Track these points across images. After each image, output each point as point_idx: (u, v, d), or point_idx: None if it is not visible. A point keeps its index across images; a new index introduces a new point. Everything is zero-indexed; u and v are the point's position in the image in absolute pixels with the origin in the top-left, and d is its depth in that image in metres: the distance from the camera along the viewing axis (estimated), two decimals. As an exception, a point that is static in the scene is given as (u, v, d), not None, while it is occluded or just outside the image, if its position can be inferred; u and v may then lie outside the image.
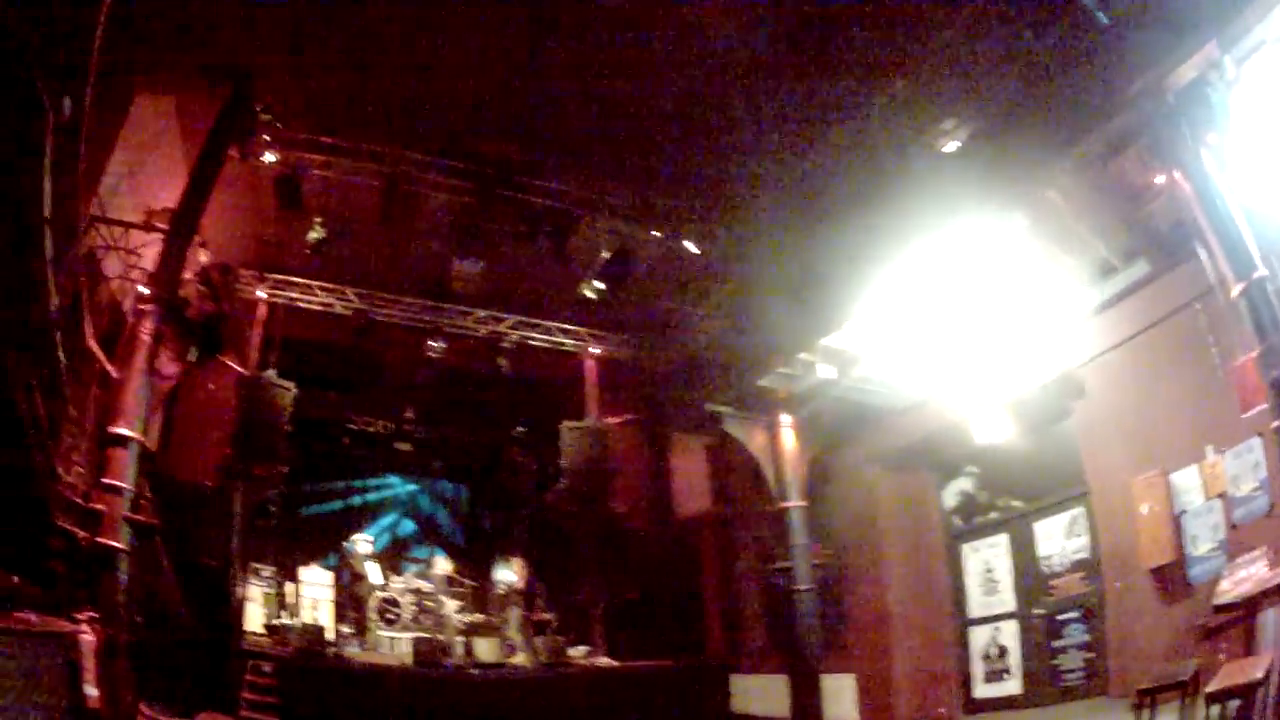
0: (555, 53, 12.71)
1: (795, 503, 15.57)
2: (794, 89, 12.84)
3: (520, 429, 22.72)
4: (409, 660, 16.46)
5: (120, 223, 12.75)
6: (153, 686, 11.45)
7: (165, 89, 13.39)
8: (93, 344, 11.08)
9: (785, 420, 15.99)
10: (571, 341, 19.68)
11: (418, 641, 16.64)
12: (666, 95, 13.38)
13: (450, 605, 19.09)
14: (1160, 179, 10.17)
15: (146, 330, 11.85)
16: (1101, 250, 11.73)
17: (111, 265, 12.97)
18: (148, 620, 12.31)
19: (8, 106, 7.22)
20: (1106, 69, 9.92)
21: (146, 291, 12.05)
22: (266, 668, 14.81)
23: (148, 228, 13.06)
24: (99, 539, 10.70)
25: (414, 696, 15.21)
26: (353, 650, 17.04)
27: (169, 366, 12.45)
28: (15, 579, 9.58)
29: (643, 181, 15.42)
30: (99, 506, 10.85)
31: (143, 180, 13.77)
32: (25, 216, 7.83)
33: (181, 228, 12.41)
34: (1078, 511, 13.01)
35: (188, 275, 13.36)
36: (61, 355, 9.60)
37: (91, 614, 10.04)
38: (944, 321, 13.40)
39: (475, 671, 16.47)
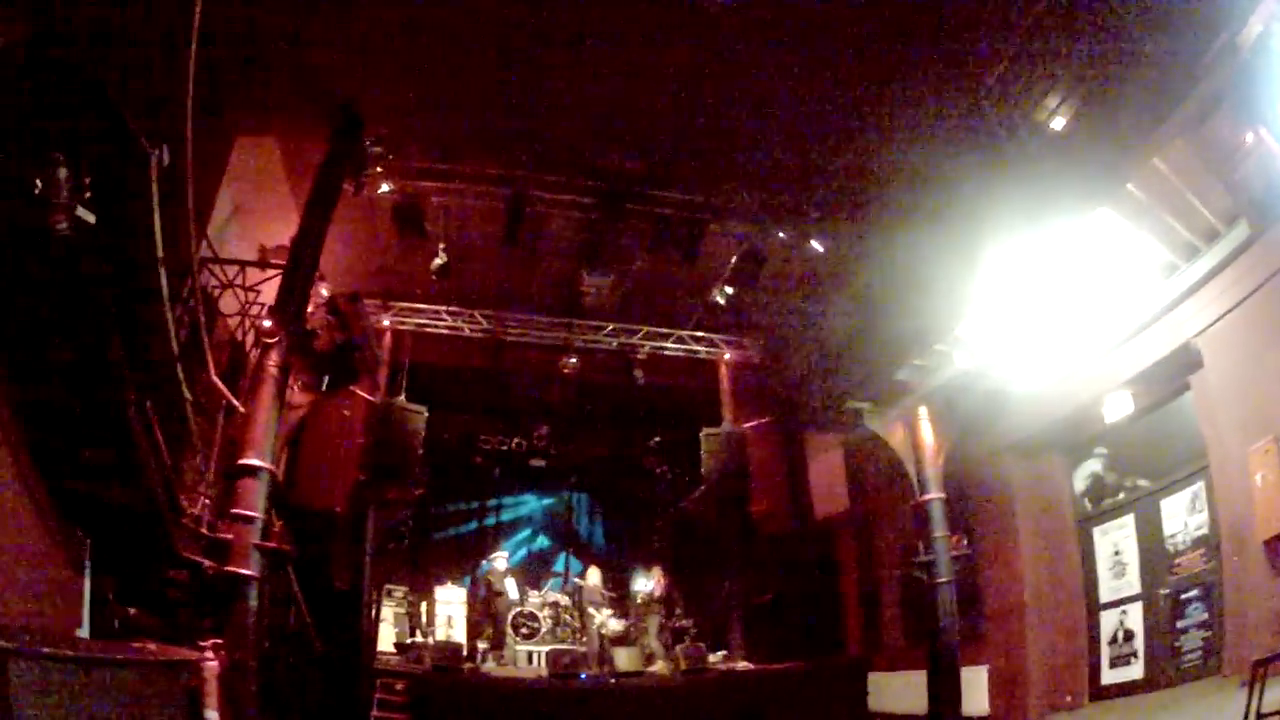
0: (670, 62, 12.63)
1: (935, 495, 15.22)
2: (903, 80, 12.56)
3: (655, 439, 22.67)
4: (545, 673, 16.59)
5: (234, 261, 13.14)
6: (283, 710, 11.79)
7: (266, 128, 13.79)
8: (215, 379, 11.29)
9: (923, 413, 15.67)
10: (704, 348, 19.74)
11: (553, 653, 16.76)
12: (782, 96, 13.21)
13: (590, 617, 19.19)
14: (1249, 137, 9.95)
15: (273, 362, 12.01)
16: (1204, 214, 11.39)
17: (226, 304, 13.33)
18: (278, 645, 12.67)
19: (111, 156, 7.54)
20: (1188, 32, 9.63)
21: (269, 325, 12.23)
22: (398, 686, 15.06)
23: (262, 264, 13.43)
24: (228, 568, 10.96)
25: (550, 709, 15.36)
26: (489, 665, 17.23)
27: (298, 397, 12.78)
28: (132, 610, 10.04)
29: (766, 183, 15.25)
30: (227, 536, 11.10)
31: (251, 220, 14.34)
32: (139, 259, 8.13)
33: (301, 258, 12.51)
34: (1198, 487, 12.47)
35: (311, 308, 13.69)
36: (185, 391, 10.00)
37: (215, 640, 10.34)
38: (1064, 300, 13.25)
39: (613, 681, 16.53)
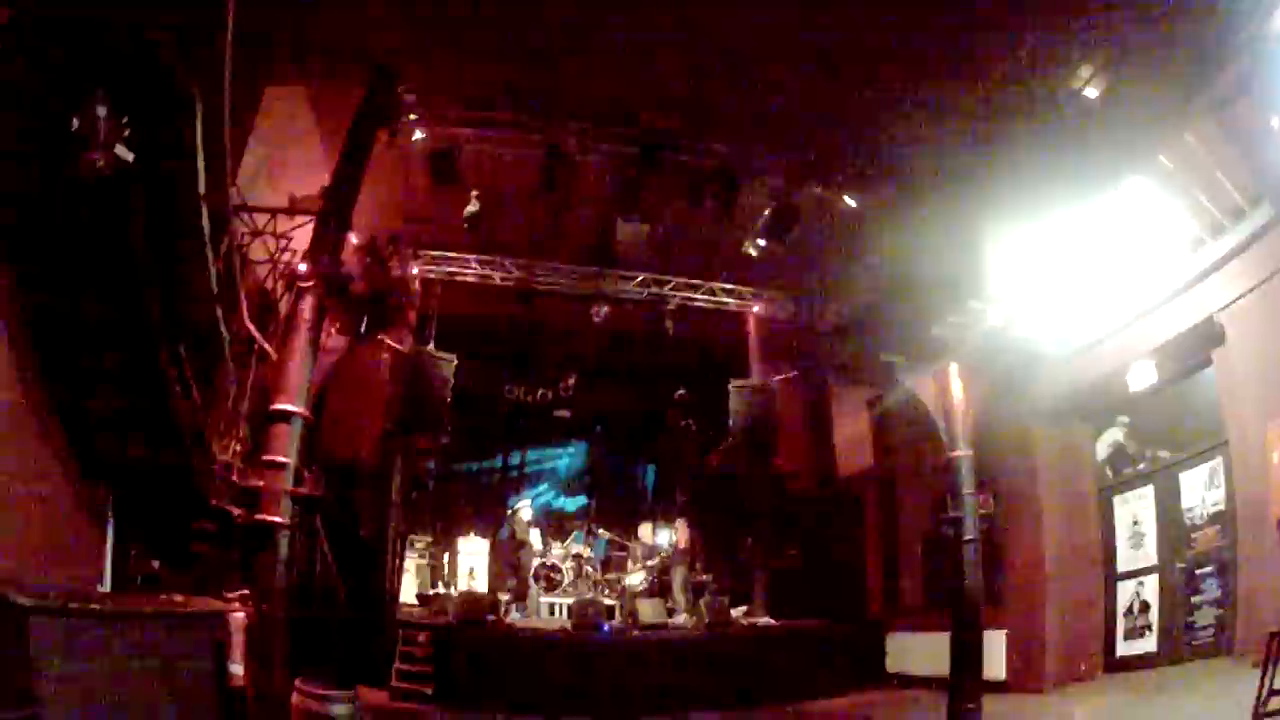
0: (708, 17, 12.33)
1: (964, 452, 14.79)
2: (941, 41, 12.28)
3: (681, 392, 22.45)
4: (568, 624, 16.61)
5: (265, 209, 12.89)
6: (310, 661, 11.50)
7: (297, 77, 13.62)
8: (250, 325, 11.24)
9: (954, 370, 15.30)
10: (734, 301, 19.60)
11: (577, 605, 16.72)
12: (820, 57, 12.97)
13: (613, 570, 19.26)
14: (1275, 122, 10.11)
15: (308, 307, 11.74)
16: (1231, 193, 11.42)
17: (255, 253, 13.11)
18: (305, 596, 12.69)
19: (152, 93, 7.43)
20: (1219, 17, 9.85)
21: (305, 268, 12.00)
22: (421, 637, 15.09)
23: (294, 211, 13.14)
24: (258, 515, 10.83)
25: (573, 660, 15.29)
26: (513, 617, 17.21)
27: (333, 341, 12.63)
28: (156, 564, 9.99)
29: (802, 141, 15.04)
30: (258, 483, 10.93)
31: (281, 171, 14.07)
32: (179, 198, 8.09)
33: (336, 203, 12.36)
34: (1217, 462, 12.41)
35: (345, 253, 13.55)
36: (224, 331, 9.94)
37: (243, 591, 10.28)
38: (1093, 268, 13.29)
39: (637, 633, 16.53)
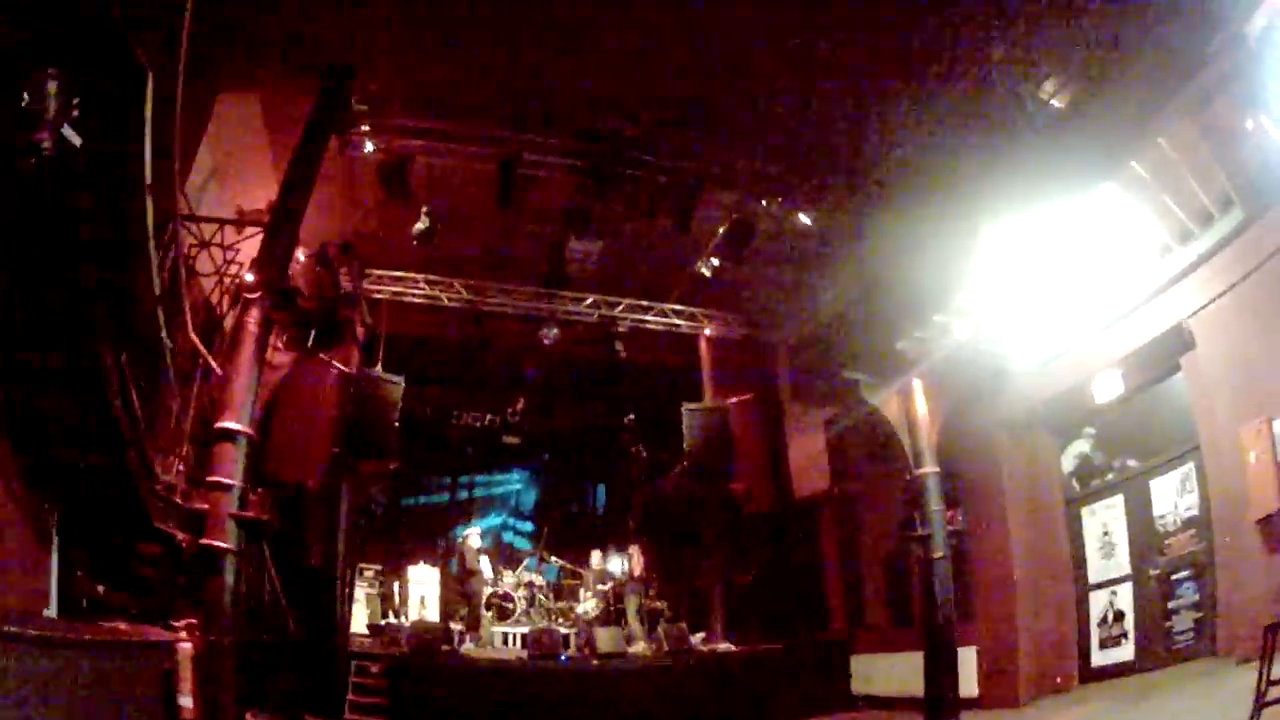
0: (667, 25, 12.34)
1: (930, 468, 14.87)
2: (905, 54, 12.36)
3: (631, 416, 22.18)
4: (524, 654, 16.16)
5: (213, 219, 12.67)
6: (258, 692, 11.31)
7: (250, 85, 13.39)
8: (193, 336, 10.73)
9: (917, 386, 15.32)
10: (686, 323, 19.35)
11: (533, 634, 16.25)
12: (780, 66, 12.93)
13: (566, 598, 18.88)
14: (1249, 124, 10.22)
15: (254, 320, 11.43)
16: (1200, 197, 11.50)
17: (201, 265, 12.79)
18: (254, 625, 12.19)
19: (105, 71, 7.01)
20: (1196, 19, 10.07)
21: (251, 279, 11.64)
22: (374, 669, 14.64)
23: (243, 222, 12.94)
24: (203, 540, 10.44)
25: (529, 690, 14.91)
26: (466, 647, 16.65)
27: (280, 357, 12.18)
28: (101, 588, 9.42)
29: (762, 153, 14.94)
30: (202, 506, 10.55)
31: (230, 182, 13.92)
32: (125, 189, 7.59)
33: (286, 212, 12.04)
34: (1188, 468, 12.45)
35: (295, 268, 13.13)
36: (166, 338, 9.40)
37: (190, 620, 9.86)
38: (1059, 279, 13.39)
39: (595, 663, 16.04)
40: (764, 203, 15.40)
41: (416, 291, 17.99)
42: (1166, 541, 12.76)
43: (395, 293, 17.89)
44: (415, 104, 14.10)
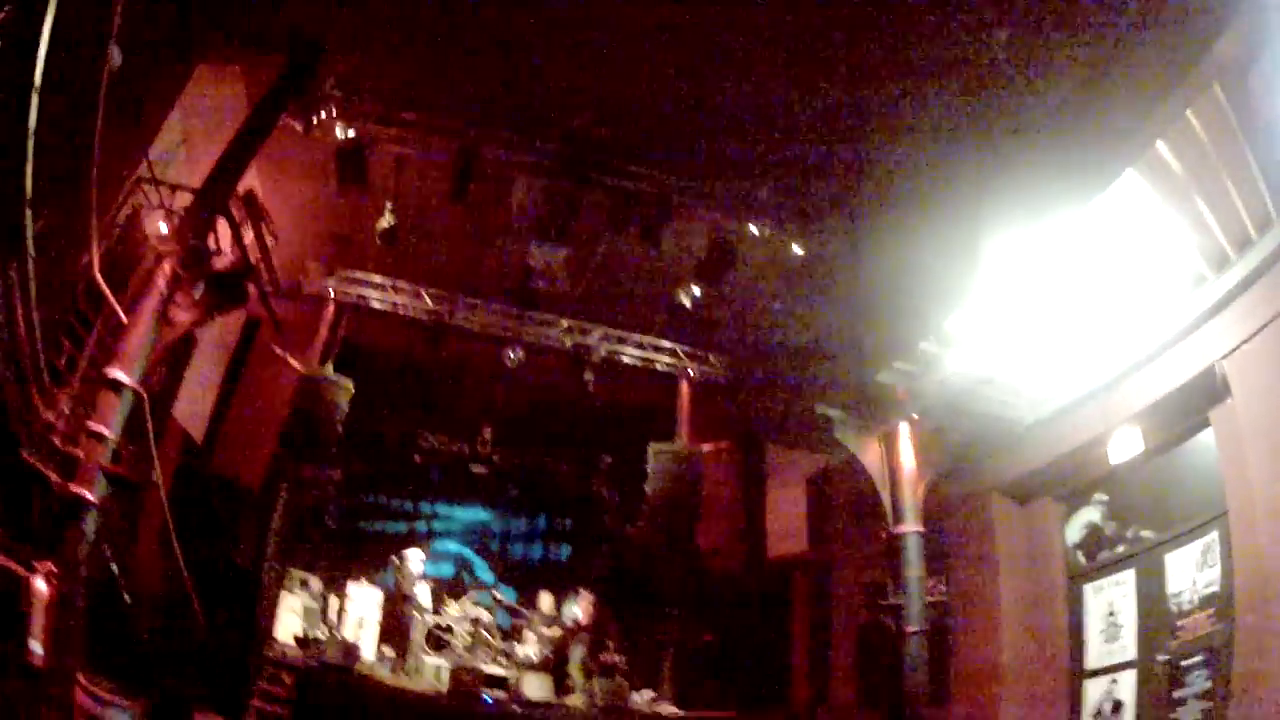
0: (649, 26, 11.71)
1: (912, 528, 13.38)
2: (896, 55, 11.53)
3: (606, 459, 21.27)
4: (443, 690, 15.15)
5: (165, 183, 12.29)
6: (118, 661, 10.72)
7: (230, 59, 13.10)
8: (98, 277, 10.24)
9: (904, 430, 13.91)
10: (665, 359, 18.41)
11: (454, 671, 15.20)
12: (765, 71, 12.26)
13: (510, 638, 17.87)
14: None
15: (163, 274, 11.02)
16: (1238, 209, 9.91)
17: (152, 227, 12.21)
18: (131, 591, 11.78)
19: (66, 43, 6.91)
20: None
21: (165, 230, 11.34)
22: (287, 678, 13.94)
23: (190, 188, 12.39)
24: (71, 487, 9.81)
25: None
26: (380, 671, 15.80)
27: (181, 314, 11.72)
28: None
29: (741, 167, 14.08)
30: (77, 453, 9.97)
31: (200, 152, 13.39)
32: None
33: (220, 175, 11.58)
34: (1211, 538, 10.88)
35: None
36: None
37: (50, 566, 9.10)
38: (1070, 312, 11.94)
39: (516, 709, 14.99)
40: (743, 223, 14.59)
41: (382, 296, 17.45)
42: (1179, 623, 11.16)
43: (361, 295, 17.35)
44: (385, 92, 13.71)
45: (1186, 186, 10.12)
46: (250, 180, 13.36)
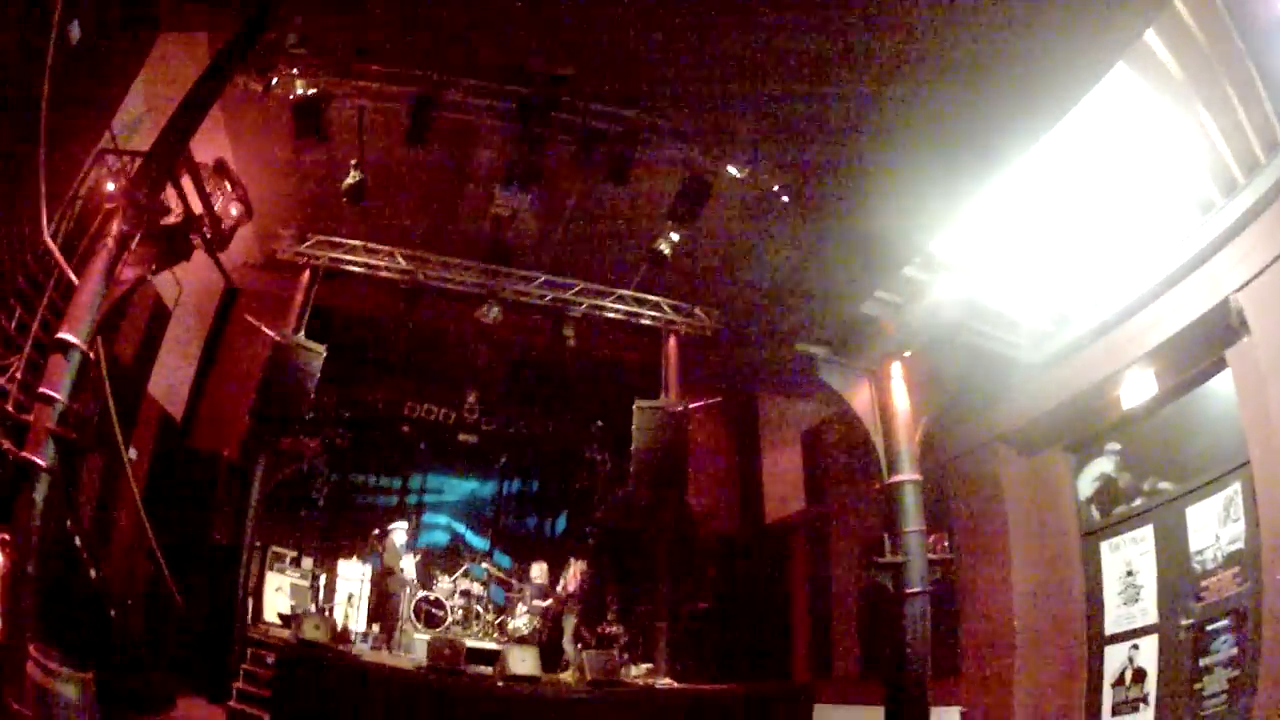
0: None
1: (909, 476, 12.54)
2: None
3: (598, 422, 20.73)
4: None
5: (126, 152, 12.07)
6: (71, 636, 10.33)
7: (190, 24, 12.79)
8: (49, 240, 10.29)
9: (896, 369, 13.13)
10: (651, 313, 17.77)
11: (433, 644, 14.60)
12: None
13: (503, 612, 17.67)
14: None
15: (111, 232, 10.71)
16: (1240, 120, 9.19)
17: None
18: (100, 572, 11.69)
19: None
20: None
21: (113, 189, 11.06)
22: (270, 659, 13.61)
23: (133, 154, 12.05)
24: (22, 453, 9.61)
25: (429, 706, 13.40)
26: (361, 648, 15.50)
27: (127, 271, 11.42)
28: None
29: (715, 105, 13.15)
30: (28, 418, 9.80)
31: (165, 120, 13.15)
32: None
33: (171, 133, 11.19)
34: (1234, 490, 10.19)
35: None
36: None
37: (4, 536, 9.09)
38: (1067, 244, 11.29)
39: (500, 685, 14.35)
40: (723, 163, 13.83)
41: (356, 259, 17.01)
42: (1204, 583, 10.52)
43: (334, 259, 16.90)
44: (341, 46, 13.20)
45: (1189, 96, 9.39)
46: (223, 150, 13.44)
